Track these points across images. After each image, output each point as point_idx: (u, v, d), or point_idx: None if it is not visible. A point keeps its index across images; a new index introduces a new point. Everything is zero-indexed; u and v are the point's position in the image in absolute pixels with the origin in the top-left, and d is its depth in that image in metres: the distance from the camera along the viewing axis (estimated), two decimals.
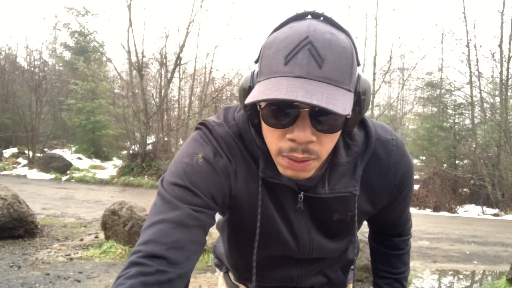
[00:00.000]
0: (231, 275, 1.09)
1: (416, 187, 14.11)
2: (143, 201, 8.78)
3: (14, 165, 14.11)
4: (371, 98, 0.77)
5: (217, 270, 1.21)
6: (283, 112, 0.69)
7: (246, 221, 0.86)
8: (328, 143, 0.73)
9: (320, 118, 0.69)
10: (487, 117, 14.36)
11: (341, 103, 0.65)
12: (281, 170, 0.76)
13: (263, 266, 0.93)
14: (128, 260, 0.70)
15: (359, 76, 0.74)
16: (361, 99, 0.75)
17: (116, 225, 4.85)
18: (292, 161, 0.72)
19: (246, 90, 0.76)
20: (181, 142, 15.90)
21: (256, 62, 0.76)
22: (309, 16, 0.73)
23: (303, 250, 0.90)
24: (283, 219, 0.86)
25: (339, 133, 0.74)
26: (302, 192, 0.83)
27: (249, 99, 0.67)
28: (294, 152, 0.71)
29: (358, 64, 0.74)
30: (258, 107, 0.73)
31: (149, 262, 0.68)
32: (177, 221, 0.73)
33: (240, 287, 1.06)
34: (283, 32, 0.70)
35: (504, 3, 13.38)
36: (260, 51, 0.74)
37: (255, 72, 0.76)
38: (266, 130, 0.74)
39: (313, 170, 0.75)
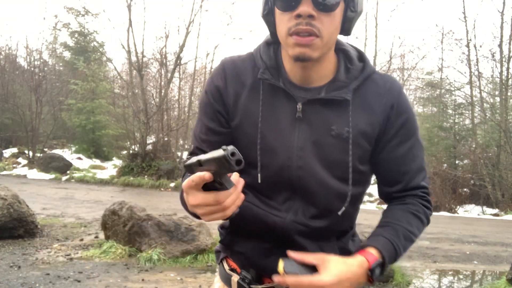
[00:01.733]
0: (225, 264, 1.11)
1: None
2: (143, 201, 8.78)
3: (14, 165, 14.11)
4: (362, 5, 0.93)
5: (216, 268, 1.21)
6: None
7: (249, 132, 0.96)
8: (327, 22, 0.87)
9: None
10: (487, 117, 14.35)
11: None
12: (290, 51, 0.90)
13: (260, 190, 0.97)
14: None
15: None
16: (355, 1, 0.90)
17: (116, 225, 4.85)
18: (299, 37, 0.87)
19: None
20: (181, 142, 15.89)
21: None
22: None
23: (291, 164, 0.94)
24: (281, 127, 0.94)
25: (337, 17, 0.89)
26: (300, 103, 0.93)
27: None
28: (300, 25, 0.86)
29: None
30: None
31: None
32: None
33: (233, 276, 1.07)
34: None
35: (504, 3, 13.38)
36: None
37: None
38: (279, 18, 0.91)
39: (317, 51, 0.88)
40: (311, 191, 0.95)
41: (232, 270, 1.08)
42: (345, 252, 1.00)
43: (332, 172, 0.94)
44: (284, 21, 0.89)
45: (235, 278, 1.06)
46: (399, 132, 0.96)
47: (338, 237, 1.01)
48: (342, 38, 0.99)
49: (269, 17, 0.94)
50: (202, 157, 0.75)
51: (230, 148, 0.68)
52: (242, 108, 0.98)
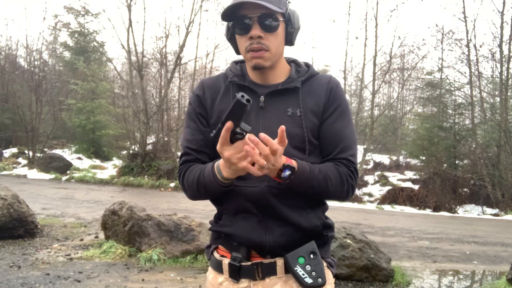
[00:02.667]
0: (216, 254, 1.27)
1: (416, 187, 14.10)
2: (143, 201, 8.78)
3: (14, 165, 14.11)
4: (299, 22, 1.25)
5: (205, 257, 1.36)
6: (243, 23, 1.18)
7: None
8: (272, 39, 1.19)
9: (264, 22, 1.17)
10: (487, 117, 14.35)
11: (272, 4, 1.15)
12: (249, 63, 1.22)
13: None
14: None
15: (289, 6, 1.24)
16: (291, 19, 1.22)
17: (116, 225, 4.85)
18: (253, 52, 1.18)
19: (227, 25, 1.25)
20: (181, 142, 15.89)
21: None
22: None
23: None
24: (248, 117, 1.18)
25: (279, 34, 1.20)
26: (263, 96, 1.22)
27: (223, 13, 1.18)
28: (253, 44, 1.18)
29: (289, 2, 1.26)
30: (229, 26, 1.23)
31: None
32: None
33: (223, 260, 1.23)
34: None
35: (504, 3, 13.36)
36: None
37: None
38: (238, 39, 1.23)
39: (268, 61, 1.20)
40: None
41: (223, 257, 1.24)
42: (324, 224, 1.23)
43: (291, 143, 1.14)
44: (242, 42, 1.21)
45: (225, 261, 1.22)
46: (333, 114, 1.23)
47: (311, 207, 1.21)
48: (288, 48, 1.32)
49: (232, 40, 1.26)
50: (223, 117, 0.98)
51: (240, 93, 0.94)
52: (218, 108, 1.25)
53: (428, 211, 11.59)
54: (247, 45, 1.19)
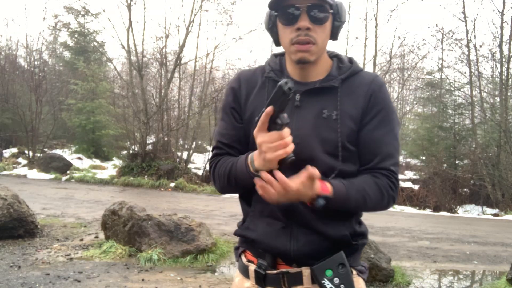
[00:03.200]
0: (243, 258, 1.24)
1: (416, 187, 14.11)
2: (143, 201, 8.77)
3: (14, 165, 14.10)
4: (346, 14, 1.19)
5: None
6: (291, 13, 1.11)
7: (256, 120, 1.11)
8: (320, 32, 1.12)
9: (312, 13, 1.10)
10: (487, 117, 14.34)
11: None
12: (293, 56, 1.14)
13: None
14: None
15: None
16: (339, 11, 1.14)
17: (116, 225, 4.85)
18: (299, 45, 1.11)
19: (269, 14, 1.18)
20: (181, 142, 15.88)
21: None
22: None
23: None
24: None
25: (327, 27, 1.14)
26: (298, 94, 1.16)
27: (270, 1, 1.12)
28: (300, 36, 1.10)
29: None
30: (271, 15, 1.16)
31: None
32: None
33: (250, 266, 1.20)
34: None
35: (504, 3, 13.37)
36: None
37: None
38: (282, 30, 1.15)
39: (314, 55, 1.13)
40: (306, 164, 1.07)
41: (250, 261, 1.22)
42: (354, 232, 1.16)
43: (324, 148, 1.12)
44: (286, 33, 1.14)
45: (252, 267, 1.19)
46: (375, 118, 1.15)
47: (341, 215, 1.13)
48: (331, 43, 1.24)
49: (273, 30, 1.19)
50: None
51: (284, 80, 0.94)
52: (252, 104, 1.20)
53: (428, 211, 11.58)
54: (293, 37, 1.11)
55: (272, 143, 0.98)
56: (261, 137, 1.00)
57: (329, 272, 1.08)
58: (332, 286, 1.07)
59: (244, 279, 1.22)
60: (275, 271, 1.14)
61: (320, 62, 1.18)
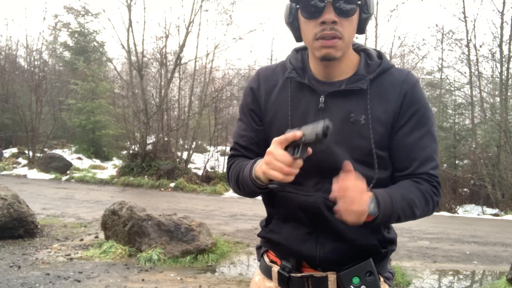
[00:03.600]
0: (266, 258, 1.20)
1: None
2: (143, 201, 8.77)
3: (14, 165, 14.10)
4: (374, 7, 1.07)
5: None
6: (315, 6, 1.01)
7: (279, 125, 1.10)
8: (347, 26, 1.02)
9: (338, 5, 1.00)
10: (487, 117, 14.34)
11: None
12: (317, 53, 1.04)
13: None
14: None
15: None
16: (367, 2, 1.04)
17: (116, 225, 4.85)
18: (324, 41, 1.01)
19: (290, 7, 1.08)
20: (181, 142, 15.87)
21: None
22: None
23: (315, 150, 1.01)
24: (306, 119, 1.06)
25: (354, 20, 1.03)
26: (323, 96, 1.07)
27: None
28: (325, 31, 1.00)
29: None
30: (292, 8, 1.06)
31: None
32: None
33: (273, 267, 1.16)
34: None
35: (504, 3, 13.36)
36: None
37: None
38: (304, 24, 1.05)
39: (340, 51, 1.02)
40: (335, 172, 0.99)
41: (273, 262, 1.17)
42: (383, 239, 1.09)
43: (352, 155, 1.04)
44: (309, 28, 1.03)
45: (275, 268, 1.15)
46: (410, 120, 1.06)
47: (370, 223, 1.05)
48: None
49: (293, 24, 1.08)
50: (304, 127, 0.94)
51: (327, 122, 0.88)
52: (273, 105, 1.13)
53: None
54: (317, 31, 1.01)
55: (276, 161, 0.93)
56: (274, 148, 0.94)
57: (356, 280, 1.04)
58: None
59: (265, 279, 1.19)
60: (299, 274, 1.10)
61: (347, 58, 1.08)
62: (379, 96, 1.06)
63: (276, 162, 0.93)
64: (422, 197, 1.04)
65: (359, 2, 1.03)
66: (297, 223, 1.09)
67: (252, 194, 1.12)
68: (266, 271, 1.18)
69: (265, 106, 1.14)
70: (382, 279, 1.12)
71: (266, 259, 1.20)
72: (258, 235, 1.22)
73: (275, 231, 1.15)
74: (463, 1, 13.98)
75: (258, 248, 1.25)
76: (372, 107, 1.05)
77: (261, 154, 1.07)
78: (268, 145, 0.98)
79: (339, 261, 1.06)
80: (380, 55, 1.13)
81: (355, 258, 1.06)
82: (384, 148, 1.06)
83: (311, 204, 1.06)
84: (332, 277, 1.08)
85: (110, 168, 15.13)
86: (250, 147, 1.17)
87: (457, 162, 15.52)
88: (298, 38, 1.11)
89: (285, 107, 1.10)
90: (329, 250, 1.07)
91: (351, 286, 1.04)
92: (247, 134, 1.18)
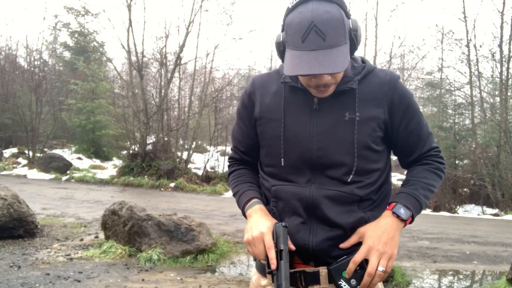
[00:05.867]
0: None
1: None
2: (143, 201, 8.78)
3: (14, 165, 14.10)
4: (362, 30, 1.13)
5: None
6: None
7: (272, 126, 1.18)
8: (338, 75, 1.10)
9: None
10: (487, 117, 14.33)
11: (341, 61, 1.02)
12: (311, 91, 1.12)
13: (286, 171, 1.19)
14: None
15: (350, 22, 1.08)
16: (356, 34, 1.09)
17: (116, 225, 4.85)
18: (318, 91, 1.10)
19: (280, 44, 1.11)
20: (181, 142, 15.87)
21: (282, 31, 1.11)
22: None
23: (312, 147, 1.14)
24: (301, 120, 1.16)
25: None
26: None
27: (286, 71, 1.05)
28: (319, 87, 1.09)
29: (348, 17, 1.08)
30: (282, 45, 1.11)
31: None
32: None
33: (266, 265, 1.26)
34: (295, 17, 1.04)
35: (504, 3, 13.34)
36: (283, 27, 1.10)
37: (282, 36, 1.10)
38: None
39: (333, 89, 1.11)
40: (328, 167, 1.14)
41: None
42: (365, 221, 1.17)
43: (346, 149, 1.13)
44: (304, 79, 1.11)
45: None
46: (405, 113, 1.18)
47: (365, 211, 1.16)
48: None
49: (283, 54, 1.12)
50: (285, 250, 1.07)
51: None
52: (268, 106, 1.20)
53: (428, 211, 11.58)
54: (311, 84, 1.09)
55: (256, 249, 1.11)
56: (259, 242, 1.11)
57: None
58: (348, 287, 1.08)
59: (261, 278, 1.23)
60: (292, 270, 1.13)
61: None
62: (368, 95, 1.15)
63: (256, 249, 1.12)
64: (435, 175, 1.20)
65: (347, 43, 1.07)
66: (292, 214, 1.16)
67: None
68: (261, 269, 1.23)
69: (260, 109, 1.22)
70: None
71: None
72: None
73: None
74: (463, 1, 13.97)
75: None
76: (363, 105, 1.14)
77: (258, 157, 1.27)
78: (261, 150, 1.10)
79: (330, 251, 1.12)
80: (363, 60, 1.24)
81: (346, 250, 1.12)
82: (379, 142, 1.17)
83: (306, 194, 1.14)
84: (323, 271, 1.13)
85: (110, 168, 15.14)
86: (248, 151, 1.30)
87: (457, 162, 15.51)
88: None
89: (278, 110, 1.18)
90: (321, 239, 1.12)
91: (341, 280, 1.08)
92: (245, 141, 1.29)
